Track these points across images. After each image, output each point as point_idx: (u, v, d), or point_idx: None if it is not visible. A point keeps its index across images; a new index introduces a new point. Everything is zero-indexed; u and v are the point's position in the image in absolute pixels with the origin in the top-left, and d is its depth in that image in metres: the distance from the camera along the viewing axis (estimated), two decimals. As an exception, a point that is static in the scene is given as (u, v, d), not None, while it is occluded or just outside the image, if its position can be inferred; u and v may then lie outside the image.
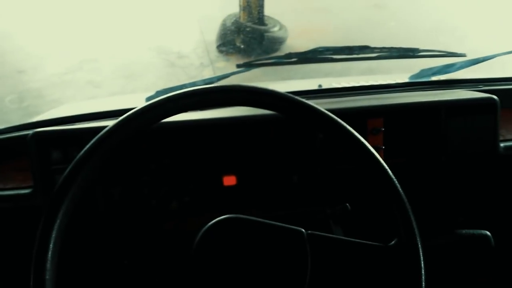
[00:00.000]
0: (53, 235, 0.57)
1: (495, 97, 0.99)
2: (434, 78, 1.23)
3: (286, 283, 0.63)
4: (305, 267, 0.63)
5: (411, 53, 1.19)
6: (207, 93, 0.66)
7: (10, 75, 4.01)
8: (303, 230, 0.65)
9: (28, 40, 4.72)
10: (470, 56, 1.23)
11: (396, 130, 0.97)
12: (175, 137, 0.89)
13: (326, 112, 0.66)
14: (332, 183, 0.96)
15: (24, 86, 3.78)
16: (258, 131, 0.92)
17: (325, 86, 1.20)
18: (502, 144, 1.02)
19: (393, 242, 0.65)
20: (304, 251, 0.64)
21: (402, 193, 0.64)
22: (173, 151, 0.89)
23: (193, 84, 1.04)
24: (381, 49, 1.18)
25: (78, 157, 0.60)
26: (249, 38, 3.99)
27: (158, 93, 1.03)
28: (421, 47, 1.22)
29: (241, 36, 4.05)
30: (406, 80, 1.24)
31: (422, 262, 0.62)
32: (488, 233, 0.80)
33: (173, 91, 0.65)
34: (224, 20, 4.21)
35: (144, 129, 0.64)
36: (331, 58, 1.16)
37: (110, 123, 0.63)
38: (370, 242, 0.65)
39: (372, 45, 1.19)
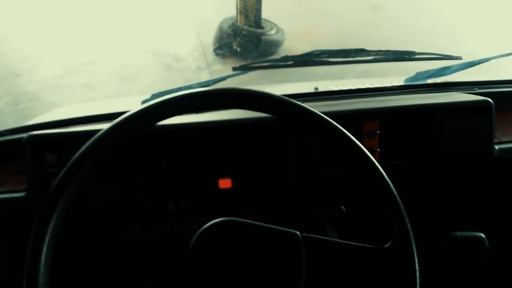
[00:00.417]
0: (47, 239, 0.57)
1: (490, 100, 1.00)
2: (429, 81, 1.24)
3: (281, 285, 0.63)
4: (300, 269, 0.63)
5: (407, 56, 1.20)
6: (202, 96, 0.66)
7: (6, 78, 4.00)
8: (298, 233, 0.65)
9: (25, 42, 4.71)
10: (466, 59, 1.24)
11: (392, 133, 0.98)
12: (171, 139, 0.89)
13: (322, 115, 0.66)
14: (327, 185, 0.97)
15: (19, 89, 3.77)
16: (254, 134, 0.92)
17: (322, 89, 1.21)
18: (497, 147, 1.03)
19: (387, 244, 0.65)
20: (299, 253, 0.64)
21: (397, 196, 0.64)
22: (169, 154, 0.89)
23: (189, 87, 1.04)
24: (377, 52, 1.18)
25: (72, 160, 0.60)
26: (246, 41, 3.99)
27: (154, 96, 1.03)
28: (418, 50, 1.22)
29: (238, 39, 4.05)
30: (402, 83, 1.24)
31: (417, 265, 0.62)
32: (483, 235, 0.80)
33: (169, 94, 0.65)
34: (221, 23, 4.21)
35: (139, 132, 0.64)
36: (328, 61, 1.16)
37: (105, 126, 0.63)
38: (365, 245, 0.65)
39: (369, 48, 1.20)
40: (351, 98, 1.14)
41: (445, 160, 0.99)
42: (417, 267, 0.62)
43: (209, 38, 4.29)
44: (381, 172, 0.65)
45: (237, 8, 4.10)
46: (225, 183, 0.92)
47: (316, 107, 0.68)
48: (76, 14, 5.36)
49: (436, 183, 1.05)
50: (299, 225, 0.71)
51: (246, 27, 4.05)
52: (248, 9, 4.07)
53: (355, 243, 0.66)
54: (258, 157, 0.92)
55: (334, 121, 0.67)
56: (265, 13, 4.23)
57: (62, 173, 0.59)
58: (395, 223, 0.63)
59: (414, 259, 0.62)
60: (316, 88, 1.21)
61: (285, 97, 0.67)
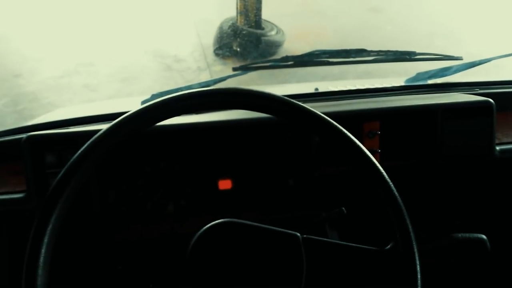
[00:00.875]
0: (45, 240, 0.56)
1: (491, 100, 0.99)
2: (430, 82, 1.23)
3: (282, 287, 0.62)
4: (300, 271, 0.63)
5: (407, 57, 1.19)
6: (202, 96, 0.65)
7: (6, 78, 3.99)
8: (299, 234, 0.65)
9: (25, 43, 4.71)
10: (466, 60, 1.24)
11: (392, 133, 0.97)
12: (170, 140, 0.89)
13: (322, 115, 0.66)
14: (327, 186, 0.96)
15: (19, 90, 3.77)
16: (254, 135, 0.91)
17: (322, 89, 1.20)
18: (498, 148, 1.02)
19: (389, 246, 0.65)
20: (300, 255, 0.63)
21: (398, 197, 0.64)
22: (169, 155, 0.89)
23: (189, 87, 1.04)
24: (378, 52, 1.18)
25: (71, 161, 0.59)
26: (246, 41, 3.99)
27: (154, 97, 1.02)
28: (418, 51, 1.22)
29: (238, 39, 4.05)
30: (403, 83, 1.24)
31: (418, 266, 0.62)
32: (484, 236, 0.79)
33: (169, 95, 0.65)
34: (221, 24, 4.21)
35: (139, 133, 0.64)
36: (328, 61, 1.16)
37: (104, 126, 0.62)
38: (366, 246, 0.65)
39: (369, 48, 1.19)
40: (352, 99, 1.14)
41: (446, 160, 0.99)
42: (418, 269, 0.61)
43: (209, 38, 4.30)
44: (382, 172, 0.65)
45: (237, 9, 4.11)
46: (225, 184, 0.91)
47: (317, 108, 0.67)
48: (76, 15, 5.36)
49: (437, 184, 1.05)
50: (299, 226, 0.71)
51: (246, 27, 4.06)
52: (248, 10, 4.07)
53: (355, 245, 0.65)
54: (258, 158, 0.92)
55: (335, 121, 0.66)
56: (265, 14, 4.24)
57: (61, 173, 0.59)
58: (396, 225, 0.63)
59: (416, 261, 0.61)
60: (317, 89, 1.20)
61: (286, 97, 0.66)
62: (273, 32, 4.23)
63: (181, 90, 0.67)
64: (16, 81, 3.97)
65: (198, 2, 5.48)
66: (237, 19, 4.16)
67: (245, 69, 1.14)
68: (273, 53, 4.00)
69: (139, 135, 0.66)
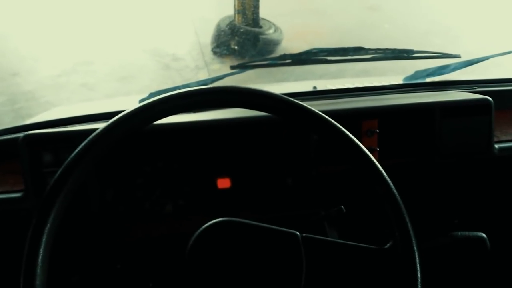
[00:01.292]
0: (44, 239, 0.56)
1: (489, 98, 0.99)
2: (428, 80, 1.23)
3: (281, 286, 0.62)
4: (300, 270, 0.62)
5: (405, 55, 1.19)
6: (200, 94, 0.65)
7: (3, 77, 3.98)
8: (298, 233, 0.64)
9: (22, 43, 4.70)
10: (464, 58, 1.23)
11: (391, 131, 0.97)
12: (169, 139, 0.88)
13: (320, 113, 0.66)
14: (326, 185, 0.96)
15: (17, 88, 3.76)
16: (252, 133, 0.91)
17: (320, 88, 1.20)
18: (496, 145, 1.02)
19: (388, 244, 0.64)
20: (299, 254, 0.63)
21: (397, 195, 0.64)
22: (167, 154, 0.89)
23: (187, 86, 1.04)
24: (376, 50, 1.18)
25: (68, 160, 0.59)
26: (244, 40, 3.99)
27: (152, 95, 1.02)
28: (416, 49, 1.22)
29: (236, 38, 4.05)
30: (401, 81, 1.23)
31: (418, 265, 0.61)
32: (483, 235, 0.79)
33: (167, 93, 0.65)
34: (219, 22, 4.21)
35: (137, 131, 0.64)
36: (326, 59, 1.15)
37: (102, 125, 0.62)
38: (365, 245, 0.65)
39: (367, 46, 1.19)
40: (350, 97, 1.13)
41: (444, 159, 0.99)
42: (418, 268, 0.61)
43: (207, 37, 4.29)
44: (381, 171, 0.64)
45: (235, 8, 4.10)
46: (223, 183, 0.91)
47: (315, 106, 0.67)
48: (74, 14, 5.35)
49: (436, 182, 1.05)
50: (298, 225, 0.71)
51: (244, 26, 4.05)
52: (246, 8, 4.07)
53: (355, 243, 0.65)
54: (257, 157, 0.92)
55: (333, 120, 0.66)
56: (263, 12, 4.23)
57: (58, 173, 0.58)
58: (396, 223, 0.63)
59: (415, 260, 0.61)
60: (315, 87, 1.20)
61: (284, 96, 0.66)
62: (271, 31, 4.23)
63: (179, 89, 0.66)
64: (14, 80, 3.96)
65: (196, 1, 5.47)
66: (235, 18, 4.15)
67: (243, 67, 1.14)
68: (271, 52, 4.00)
69: (137, 134, 0.66)
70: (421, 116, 0.98)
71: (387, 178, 0.64)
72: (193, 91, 0.65)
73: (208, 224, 0.64)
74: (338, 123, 0.66)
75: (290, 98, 0.66)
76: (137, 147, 0.87)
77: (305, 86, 1.22)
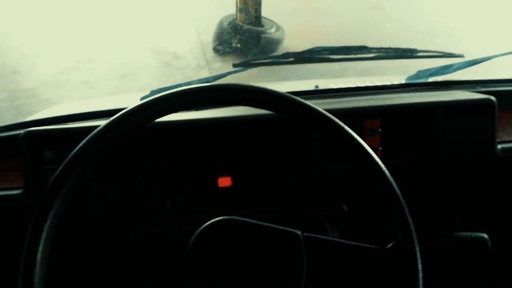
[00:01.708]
0: (43, 237, 0.56)
1: (492, 98, 0.99)
2: (431, 79, 1.22)
3: (282, 286, 0.62)
4: (301, 269, 0.62)
5: (408, 54, 1.19)
6: (201, 92, 0.65)
7: (4, 75, 3.98)
8: (299, 232, 0.64)
9: (24, 40, 4.70)
10: (467, 57, 1.23)
11: (393, 131, 0.96)
12: (170, 137, 0.88)
13: (324, 112, 0.65)
14: (328, 184, 0.95)
15: (18, 86, 3.76)
16: (254, 131, 0.91)
17: (322, 86, 1.19)
18: (499, 146, 1.02)
19: (390, 244, 0.64)
20: (300, 253, 0.62)
21: (400, 195, 0.63)
22: (168, 151, 0.88)
23: (188, 83, 1.03)
24: (379, 49, 1.17)
25: (69, 157, 0.59)
26: (246, 39, 3.99)
27: (153, 93, 1.02)
28: (418, 48, 1.21)
29: (238, 37, 4.05)
30: (403, 81, 1.23)
31: (420, 265, 0.61)
32: (485, 235, 0.79)
33: (168, 91, 0.64)
34: (221, 21, 4.21)
35: (138, 129, 0.63)
36: (328, 58, 1.15)
37: (103, 122, 0.62)
38: (367, 245, 0.64)
39: (369, 45, 1.19)
40: (352, 96, 1.13)
41: (447, 159, 0.98)
42: (419, 268, 0.61)
43: (208, 36, 4.29)
44: (384, 170, 0.64)
45: (237, 6, 4.10)
46: (224, 182, 0.91)
47: (317, 105, 0.67)
48: (76, 11, 5.34)
49: (438, 182, 1.04)
50: (300, 224, 0.70)
51: (246, 25, 4.05)
52: (248, 7, 4.06)
53: (356, 243, 0.65)
54: (258, 155, 0.91)
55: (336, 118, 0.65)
56: (265, 11, 4.23)
57: (58, 170, 0.58)
58: (398, 223, 0.62)
59: (417, 260, 0.61)
60: (317, 86, 1.19)
61: (287, 94, 0.66)
62: (272, 30, 4.23)
63: (181, 87, 0.66)
64: (15, 77, 3.96)
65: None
66: (237, 17, 4.15)
67: (245, 65, 1.14)
68: (273, 51, 4.00)
69: (138, 132, 0.65)
70: (424, 115, 0.97)
71: (390, 177, 0.64)
72: (195, 88, 0.64)
73: (208, 222, 0.64)
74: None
75: (293, 96, 0.66)
76: (138, 144, 0.87)
77: (307, 85, 1.22)
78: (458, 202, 1.08)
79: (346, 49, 1.14)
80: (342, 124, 0.65)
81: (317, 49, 1.14)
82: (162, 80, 3.82)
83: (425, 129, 0.97)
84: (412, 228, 0.62)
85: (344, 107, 0.98)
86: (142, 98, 0.98)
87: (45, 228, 0.56)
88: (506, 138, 1.06)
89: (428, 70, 1.22)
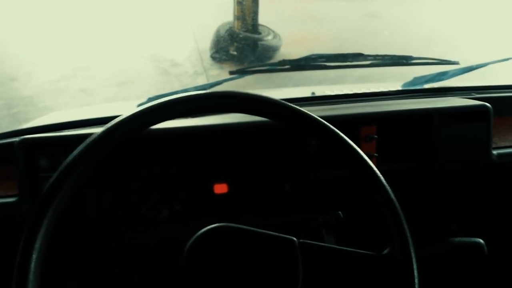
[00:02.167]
0: (37, 245, 0.55)
1: (488, 104, 0.99)
2: (427, 86, 1.23)
3: None
4: (296, 276, 0.62)
5: (404, 61, 1.19)
6: (197, 99, 0.65)
7: (2, 82, 3.98)
8: (295, 239, 0.64)
9: (22, 47, 4.70)
10: (463, 64, 1.24)
11: (389, 137, 0.97)
12: (166, 144, 0.88)
13: (320, 119, 0.66)
14: (324, 191, 0.95)
15: (15, 93, 3.76)
16: (250, 138, 0.91)
17: (318, 93, 1.20)
18: (495, 152, 1.02)
19: (386, 251, 0.64)
20: (296, 260, 0.62)
21: (396, 201, 0.63)
22: (164, 158, 0.88)
23: (185, 90, 1.03)
24: (375, 56, 1.18)
25: (63, 164, 0.59)
26: (243, 46, 4.00)
27: (150, 100, 1.01)
28: (415, 55, 1.22)
29: (235, 44, 4.06)
30: (399, 87, 1.23)
31: (416, 271, 0.61)
32: (481, 241, 0.79)
33: (165, 98, 0.64)
34: (218, 29, 4.22)
35: (134, 136, 0.63)
36: (325, 65, 1.15)
37: (99, 130, 0.62)
38: (363, 251, 0.64)
39: (366, 53, 1.19)
40: (348, 103, 1.13)
41: (443, 165, 0.98)
42: (416, 274, 0.61)
43: (206, 43, 4.30)
44: (380, 177, 0.64)
45: (234, 14, 4.12)
46: (220, 188, 0.90)
47: (313, 112, 0.67)
48: (74, 19, 5.36)
49: (434, 188, 1.04)
50: (295, 231, 0.70)
51: (243, 32, 4.06)
52: (245, 15, 4.08)
53: (352, 250, 0.64)
54: (254, 162, 0.91)
55: (331, 125, 0.66)
56: (262, 19, 4.25)
57: (53, 177, 0.58)
58: (394, 229, 0.62)
59: (413, 266, 0.61)
60: (313, 93, 1.20)
61: (282, 101, 0.66)
62: (270, 37, 4.24)
63: (177, 94, 0.66)
64: (12, 85, 3.95)
65: (196, 7, 5.49)
66: (234, 24, 4.17)
67: (241, 72, 1.14)
68: (270, 58, 4.01)
69: (134, 139, 0.65)
70: (420, 122, 0.97)
71: (386, 184, 0.64)
72: (191, 96, 0.64)
73: (204, 229, 0.64)
74: (337, 129, 0.66)
75: (289, 103, 0.66)
76: (134, 151, 0.87)
77: (303, 92, 1.22)
78: (454, 208, 1.08)
79: (342, 56, 1.14)
80: (337, 131, 0.65)
81: (313, 57, 1.15)
82: (160, 87, 3.83)
83: (421, 135, 0.98)
84: (408, 234, 0.62)
85: (340, 113, 0.98)
86: (139, 105, 0.98)
87: (39, 236, 0.56)
88: (501, 144, 1.06)
89: (424, 76, 1.23)
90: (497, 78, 1.32)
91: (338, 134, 0.65)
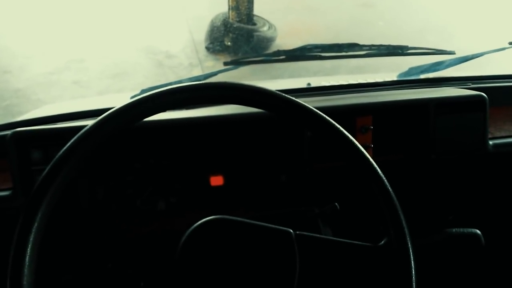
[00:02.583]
0: (31, 239, 0.55)
1: (484, 94, 0.99)
2: (423, 76, 1.23)
3: (274, 285, 0.61)
4: (293, 268, 0.62)
5: (400, 51, 1.19)
6: (192, 90, 0.64)
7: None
8: (291, 231, 0.64)
9: (15, 40, 4.66)
10: (458, 54, 1.23)
11: (385, 128, 0.96)
12: (160, 136, 0.87)
13: (315, 110, 0.65)
14: (320, 182, 0.95)
15: (7, 86, 3.73)
16: (246, 130, 0.90)
17: (314, 84, 1.19)
18: (491, 142, 1.02)
19: (382, 241, 0.64)
20: (292, 252, 0.62)
21: (392, 192, 0.63)
22: (159, 150, 0.87)
23: (179, 82, 1.02)
24: (370, 46, 1.17)
25: (56, 157, 0.58)
26: (238, 37, 3.98)
27: (143, 92, 1.00)
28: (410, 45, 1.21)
29: (230, 35, 4.04)
30: (395, 78, 1.23)
31: (412, 262, 0.61)
32: (478, 231, 0.79)
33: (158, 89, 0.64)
34: (213, 20, 4.20)
35: (127, 128, 0.62)
36: (320, 55, 1.15)
37: (92, 122, 0.61)
38: (359, 242, 0.64)
39: (361, 43, 1.18)
40: (344, 94, 1.13)
41: (439, 155, 0.98)
42: (412, 265, 0.60)
43: (201, 35, 4.28)
44: (375, 167, 0.64)
45: (229, 5, 4.09)
46: (216, 180, 0.90)
47: (309, 103, 0.66)
48: (68, 11, 5.30)
49: (431, 178, 1.04)
50: (292, 222, 0.70)
51: (238, 23, 4.04)
52: (239, 5, 4.06)
53: (349, 241, 0.64)
54: (250, 154, 0.91)
55: (327, 116, 0.65)
56: (257, 9, 4.22)
57: (46, 171, 0.57)
58: (390, 220, 0.62)
59: (410, 257, 0.61)
60: (309, 84, 1.19)
61: (278, 92, 0.65)
62: (265, 28, 4.22)
63: (171, 85, 0.65)
64: (5, 77, 3.92)
65: (190, -2, 5.46)
66: (229, 15, 4.14)
67: (236, 63, 1.13)
68: (265, 49, 3.99)
69: (127, 130, 0.64)
70: (415, 112, 0.97)
71: (382, 174, 0.64)
72: (185, 87, 0.64)
73: (200, 222, 0.63)
74: (332, 120, 0.65)
75: (284, 94, 0.65)
76: (128, 144, 0.86)
77: (299, 83, 1.22)
78: (450, 198, 1.08)
79: (337, 46, 1.14)
80: (333, 122, 0.65)
81: (308, 47, 1.14)
82: (154, 79, 3.81)
83: (416, 126, 0.97)
84: (405, 225, 0.62)
85: (336, 104, 0.98)
86: (132, 97, 0.97)
87: (33, 230, 0.55)
88: (497, 134, 1.06)
89: (419, 67, 1.22)
90: (493, 68, 1.32)
91: (334, 125, 0.65)
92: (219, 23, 4.09)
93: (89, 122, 0.61)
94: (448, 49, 1.24)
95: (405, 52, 1.19)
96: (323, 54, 1.15)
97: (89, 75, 3.92)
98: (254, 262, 0.61)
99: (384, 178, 0.63)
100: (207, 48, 4.16)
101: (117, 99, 1.23)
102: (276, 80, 2.32)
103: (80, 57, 4.21)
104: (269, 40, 4.17)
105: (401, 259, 0.61)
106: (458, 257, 0.79)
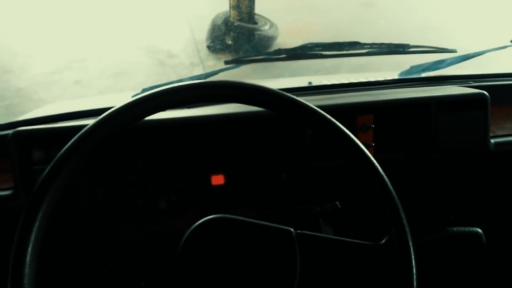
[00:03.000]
0: (32, 238, 0.55)
1: (485, 93, 0.99)
2: (424, 75, 1.22)
3: (275, 284, 0.61)
4: (294, 267, 0.62)
5: (401, 49, 1.18)
6: (193, 89, 0.64)
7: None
8: (292, 230, 0.64)
9: (16, 39, 4.66)
10: (460, 52, 1.23)
11: (386, 126, 0.96)
12: (161, 135, 0.87)
13: (316, 108, 0.65)
14: (321, 181, 0.95)
15: (9, 85, 3.73)
16: (247, 129, 0.90)
17: (315, 83, 1.19)
18: (492, 141, 1.02)
19: (383, 240, 0.64)
20: (293, 251, 0.62)
21: (393, 191, 0.63)
22: (160, 150, 0.87)
23: (180, 81, 1.02)
24: (371, 45, 1.17)
25: (57, 157, 0.58)
26: (239, 36, 3.98)
27: (144, 91, 1.00)
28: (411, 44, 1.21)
29: (231, 34, 4.04)
30: (396, 76, 1.23)
31: (413, 261, 0.61)
32: (479, 230, 0.79)
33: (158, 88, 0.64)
34: (214, 19, 4.19)
35: (127, 127, 0.62)
36: (321, 54, 1.15)
37: (92, 121, 0.61)
38: (360, 241, 0.64)
39: (362, 41, 1.18)
40: (345, 92, 1.13)
41: (440, 154, 0.98)
42: (413, 263, 0.60)
43: (202, 34, 4.28)
44: (377, 166, 0.64)
45: (230, 4, 4.09)
46: (217, 179, 0.90)
47: (310, 101, 0.66)
48: (69, 10, 5.31)
49: (432, 177, 1.04)
50: (293, 221, 0.70)
51: (239, 22, 4.04)
52: (241, 5, 4.05)
53: (350, 240, 0.64)
54: (251, 152, 0.91)
55: (328, 115, 0.65)
56: (259, 8, 4.22)
57: (47, 170, 0.57)
58: (391, 219, 0.62)
59: (411, 255, 0.61)
60: (310, 83, 1.19)
61: (279, 91, 0.65)
62: (266, 27, 4.22)
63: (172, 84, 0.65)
64: (6, 77, 3.92)
65: (191, -3, 5.46)
66: (230, 14, 4.14)
67: (237, 62, 1.13)
68: (266, 48, 3.99)
69: (128, 130, 0.64)
70: (417, 111, 0.97)
71: (383, 173, 0.63)
72: (187, 85, 0.64)
73: (201, 221, 0.63)
74: (333, 118, 0.65)
75: (285, 93, 0.65)
76: (129, 143, 0.86)
77: (300, 81, 1.21)
78: (451, 197, 1.08)
79: (338, 45, 1.14)
80: (334, 120, 0.65)
81: (309, 45, 1.14)
82: (156, 78, 3.81)
83: (418, 124, 0.97)
84: (406, 223, 0.62)
85: (337, 103, 0.97)
86: (133, 97, 0.97)
87: (34, 229, 0.55)
88: (499, 133, 1.06)
89: (421, 65, 1.22)
90: (494, 66, 1.31)
91: (335, 123, 0.65)
92: (220, 22, 4.09)
93: (90, 122, 0.61)
94: (449, 47, 1.24)
95: (406, 50, 1.19)
96: (324, 53, 1.15)
97: (90, 74, 3.92)
98: (255, 261, 0.61)
99: (385, 177, 0.63)
100: (208, 47, 4.16)
101: (118, 99, 1.23)
102: (277, 79, 2.32)
103: (81, 57, 4.21)
104: (270, 39, 4.17)
105: (402, 258, 0.61)
106: (459, 256, 0.79)
